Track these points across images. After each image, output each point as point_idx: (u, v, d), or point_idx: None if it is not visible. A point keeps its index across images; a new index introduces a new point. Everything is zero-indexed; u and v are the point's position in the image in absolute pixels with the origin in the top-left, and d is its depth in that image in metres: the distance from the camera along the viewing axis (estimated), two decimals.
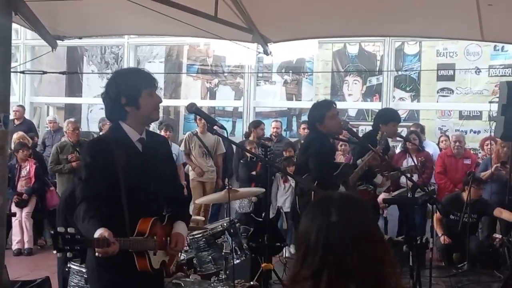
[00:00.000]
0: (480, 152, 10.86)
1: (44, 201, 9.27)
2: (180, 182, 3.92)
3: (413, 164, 7.20)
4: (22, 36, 13.08)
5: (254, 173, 8.89)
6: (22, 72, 10.08)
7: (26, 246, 8.89)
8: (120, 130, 3.37)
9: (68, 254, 2.84)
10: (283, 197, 8.79)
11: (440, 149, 9.77)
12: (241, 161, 9.14)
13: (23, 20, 6.72)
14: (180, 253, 3.71)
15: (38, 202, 9.18)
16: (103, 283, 3.29)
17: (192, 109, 3.56)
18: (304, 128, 9.77)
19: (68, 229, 2.82)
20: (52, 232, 2.84)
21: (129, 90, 3.32)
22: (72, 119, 9.95)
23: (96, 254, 3.00)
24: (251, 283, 4.94)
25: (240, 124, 12.20)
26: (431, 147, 9.85)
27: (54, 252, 2.84)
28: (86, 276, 4.15)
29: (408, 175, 6.34)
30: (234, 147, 9.93)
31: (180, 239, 3.46)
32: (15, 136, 9.53)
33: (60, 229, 2.82)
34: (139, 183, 3.30)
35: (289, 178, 8.71)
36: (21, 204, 8.95)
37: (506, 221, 7.84)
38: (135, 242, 3.16)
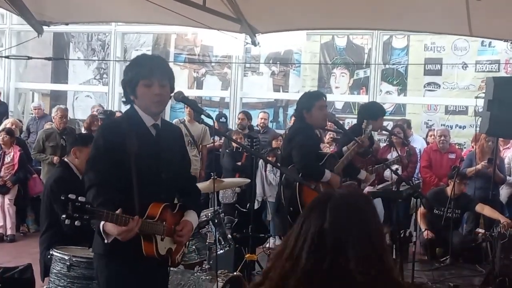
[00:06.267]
0: (465, 147, 10.93)
1: (26, 189, 9.22)
2: (191, 174, 3.89)
3: (398, 155, 7.20)
4: (7, 21, 12.95)
5: (239, 163, 8.87)
6: (7, 57, 10.02)
7: (8, 232, 8.83)
8: (135, 114, 3.37)
9: (76, 222, 2.81)
10: (268, 187, 8.79)
11: (428, 144, 9.82)
12: (227, 150, 9.14)
13: (8, 4, 6.65)
14: (187, 244, 3.69)
15: (20, 189, 9.12)
16: (111, 272, 3.28)
17: (179, 97, 3.53)
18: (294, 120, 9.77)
19: (79, 198, 2.82)
20: (63, 197, 2.81)
21: (128, 79, 3.34)
22: (62, 106, 9.88)
23: (117, 235, 3.02)
24: (235, 273, 4.92)
25: (227, 114, 12.15)
26: (419, 142, 9.89)
27: (63, 217, 2.80)
28: (68, 264, 4.13)
29: (394, 167, 6.36)
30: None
31: (188, 226, 3.43)
32: (8, 120, 9.53)
33: (72, 195, 2.81)
34: (150, 168, 3.29)
35: (271, 169, 8.72)
36: (2, 191, 8.88)
37: (489, 216, 7.90)
38: (144, 223, 3.14)
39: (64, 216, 2.80)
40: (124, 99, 3.44)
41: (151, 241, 3.22)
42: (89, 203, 2.89)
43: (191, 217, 3.50)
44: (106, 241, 3.07)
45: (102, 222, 3.05)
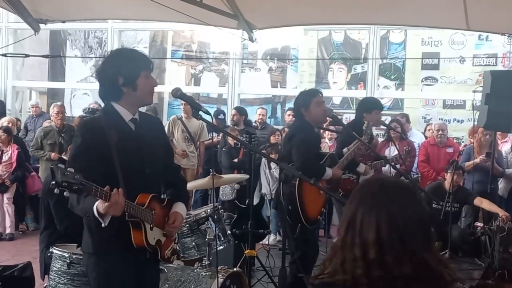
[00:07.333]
0: (463, 142, 10.94)
1: (25, 187, 9.21)
2: (175, 163, 3.88)
3: (397, 153, 7.20)
4: (4, 19, 12.93)
5: (235, 160, 8.85)
6: (4, 55, 9.99)
7: (7, 231, 8.83)
8: (113, 110, 3.33)
9: (65, 193, 2.81)
10: (274, 185, 8.75)
11: (426, 138, 9.82)
12: (224, 148, 9.12)
13: (5, 2, 6.63)
14: (176, 239, 3.69)
15: (19, 188, 9.12)
16: (100, 270, 3.28)
17: (177, 94, 3.53)
18: (289, 115, 9.76)
19: (69, 168, 2.82)
20: (53, 166, 2.82)
21: (128, 70, 3.28)
22: (58, 103, 9.88)
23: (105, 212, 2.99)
24: (235, 269, 4.93)
25: (225, 111, 12.15)
26: (417, 137, 9.89)
27: (52, 183, 2.78)
28: (68, 261, 4.13)
29: (393, 163, 6.36)
30: None
31: (178, 218, 3.47)
32: (4, 118, 9.54)
33: (61, 165, 2.82)
34: (133, 164, 3.28)
35: (272, 165, 8.70)
36: (1, 189, 8.88)
37: (488, 210, 7.90)
38: (133, 207, 3.15)
39: (53, 182, 2.79)
40: (106, 94, 3.36)
41: (140, 229, 3.23)
42: (78, 174, 2.86)
43: (180, 208, 3.53)
44: (103, 224, 3.04)
45: (95, 207, 3.00)
